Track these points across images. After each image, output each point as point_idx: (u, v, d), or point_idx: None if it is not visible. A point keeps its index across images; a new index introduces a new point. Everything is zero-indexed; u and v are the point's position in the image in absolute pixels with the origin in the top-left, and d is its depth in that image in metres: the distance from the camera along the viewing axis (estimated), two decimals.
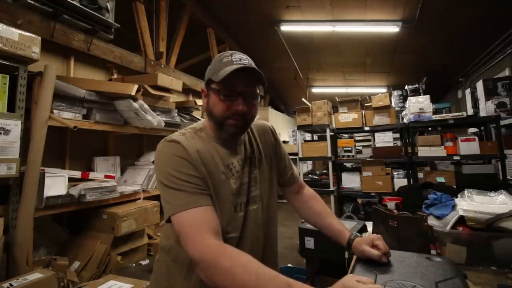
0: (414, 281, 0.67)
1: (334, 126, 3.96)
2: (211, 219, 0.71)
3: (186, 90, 3.87)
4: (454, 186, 2.54)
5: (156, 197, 2.47)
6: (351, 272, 0.76)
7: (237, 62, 0.79)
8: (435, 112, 3.48)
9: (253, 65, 0.80)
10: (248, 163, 0.88)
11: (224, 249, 0.66)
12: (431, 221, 1.18)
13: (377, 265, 0.77)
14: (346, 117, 3.85)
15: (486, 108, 3.42)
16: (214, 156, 0.81)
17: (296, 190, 1.08)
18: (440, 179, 3.06)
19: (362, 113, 3.82)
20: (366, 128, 3.78)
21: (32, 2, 1.96)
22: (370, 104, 3.70)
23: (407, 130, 3.48)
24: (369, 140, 5.49)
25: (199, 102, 3.22)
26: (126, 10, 3.00)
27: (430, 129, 3.57)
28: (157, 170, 0.78)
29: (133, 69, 2.97)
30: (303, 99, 7.74)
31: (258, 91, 0.83)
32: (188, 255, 0.68)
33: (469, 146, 2.97)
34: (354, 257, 0.87)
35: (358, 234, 0.89)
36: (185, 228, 0.69)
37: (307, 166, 5.73)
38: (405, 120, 3.71)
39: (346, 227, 0.94)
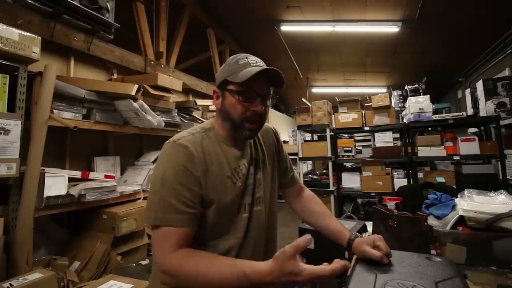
0: (414, 281, 0.67)
1: (334, 126, 3.96)
2: (184, 242, 0.72)
3: (186, 90, 3.86)
4: (454, 186, 2.54)
5: None
6: (351, 272, 0.76)
7: (254, 64, 0.80)
8: (435, 112, 3.48)
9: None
10: (253, 164, 0.88)
11: (187, 257, 0.69)
12: (431, 221, 1.19)
13: (377, 265, 0.77)
14: (346, 117, 3.85)
15: (486, 108, 3.42)
16: (221, 158, 0.81)
17: (296, 192, 1.09)
18: (440, 179, 3.07)
19: (362, 113, 3.82)
20: (366, 128, 3.78)
21: (32, 2, 1.95)
22: (370, 104, 3.70)
23: (407, 130, 3.47)
24: (369, 140, 5.49)
25: (199, 102, 3.22)
26: (126, 10, 3.00)
27: (430, 129, 3.57)
28: (156, 169, 0.77)
29: (133, 69, 2.96)
30: (303, 99, 7.74)
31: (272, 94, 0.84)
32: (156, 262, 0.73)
33: (469, 146, 2.97)
34: (354, 257, 0.87)
35: (358, 234, 0.89)
36: (160, 240, 0.71)
37: (307, 166, 5.73)
38: (405, 120, 3.71)
39: (346, 227, 0.95)
